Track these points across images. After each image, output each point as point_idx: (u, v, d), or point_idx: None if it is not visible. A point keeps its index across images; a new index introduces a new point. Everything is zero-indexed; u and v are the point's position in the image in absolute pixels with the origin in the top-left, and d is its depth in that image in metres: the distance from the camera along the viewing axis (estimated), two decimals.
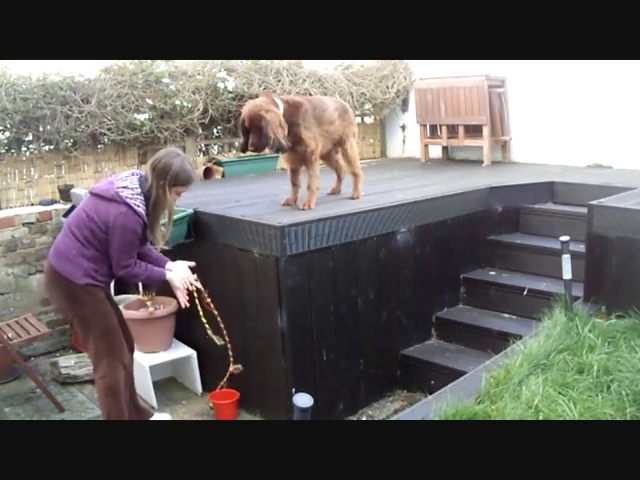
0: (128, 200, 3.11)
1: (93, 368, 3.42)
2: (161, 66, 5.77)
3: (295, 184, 4.25)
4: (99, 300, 3.25)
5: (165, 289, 4.42)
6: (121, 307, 3.79)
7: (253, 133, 3.71)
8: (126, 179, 3.19)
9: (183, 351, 4.32)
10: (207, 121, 5.97)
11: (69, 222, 3.27)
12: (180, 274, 3.37)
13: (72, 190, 5.15)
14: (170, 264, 3.45)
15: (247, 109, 3.76)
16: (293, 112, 3.91)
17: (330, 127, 4.18)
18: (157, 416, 3.75)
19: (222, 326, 3.62)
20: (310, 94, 6.29)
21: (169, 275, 3.36)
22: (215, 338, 3.61)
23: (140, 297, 4.37)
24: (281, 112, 3.79)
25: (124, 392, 3.35)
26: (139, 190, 3.15)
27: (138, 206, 3.11)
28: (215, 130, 6.51)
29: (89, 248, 3.16)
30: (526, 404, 2.58)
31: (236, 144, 6.63)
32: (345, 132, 4.32)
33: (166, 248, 3.50)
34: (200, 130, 6.08)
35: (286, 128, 3.75)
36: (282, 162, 4.43)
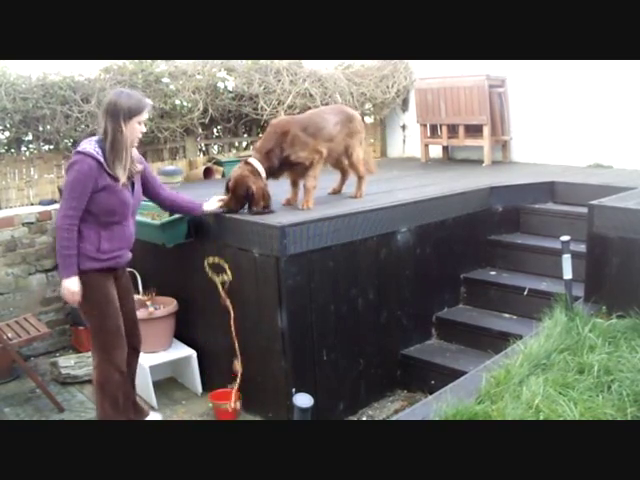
0: (76, 151, 3.20)
1: None
2: (161, 66, 5.76)
3: (295, 184, 4.24)
4: (98, 295, 3.26)
5: (165, 289, 4.45)
6: None
7: (233, 196, 3.85)
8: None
9: (183, 351, 4.32)
10: (207, 121, 5.98)
11: None
12: (70, 289, 3.20)
13: None
14: (206, 205, 3.78)
15: (235, 174, 3.86)
16: (278, 147, 3.90)
17: (330, 144, 4.10)
18: (152, 416, 3.75)
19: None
20: (310, 94, 6.29)
21: (67, 281, 3.18)
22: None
23: (140, 297, 4.37)
24: (264, 176, 3.87)
25: (115, 392, 3.34)
26: (87, 140, 3.23)
27: (84, 148, 3.15)
28: (215, 130, 6.52)
29: (82, 227, 3.17)
30: (526, 404, 2.57)
31: (236, 144, 6.65)
32: (350, 143, 4.26)
33: (126, 176, 3.36)
34: (200, 130, 6.09)
35: (269, 199, 3.90)
36: None
